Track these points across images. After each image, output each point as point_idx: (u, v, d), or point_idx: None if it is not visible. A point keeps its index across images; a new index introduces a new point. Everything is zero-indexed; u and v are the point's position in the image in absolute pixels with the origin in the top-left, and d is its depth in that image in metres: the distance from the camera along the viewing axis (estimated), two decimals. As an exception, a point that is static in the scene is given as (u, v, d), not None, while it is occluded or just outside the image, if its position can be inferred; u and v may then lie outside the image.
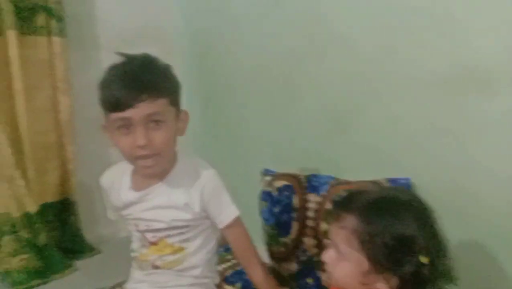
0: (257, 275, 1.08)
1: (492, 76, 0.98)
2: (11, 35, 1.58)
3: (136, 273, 1.11)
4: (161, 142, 0.94)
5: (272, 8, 1.49)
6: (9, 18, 1.57)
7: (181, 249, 1.04)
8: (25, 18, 1.63)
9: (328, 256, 0.84)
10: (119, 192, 1.06)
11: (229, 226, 1.04)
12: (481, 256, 1.05)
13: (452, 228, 1.02)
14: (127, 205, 1.05)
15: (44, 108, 1.73)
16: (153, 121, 0.92)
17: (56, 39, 1.70)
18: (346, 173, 1.28)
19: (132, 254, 1.11)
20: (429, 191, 1.07)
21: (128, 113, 0.90)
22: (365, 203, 0.80)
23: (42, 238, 1.71)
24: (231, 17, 1.67)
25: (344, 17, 1.27)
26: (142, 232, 1.05)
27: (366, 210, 0.79)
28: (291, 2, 1.43)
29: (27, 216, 1.67)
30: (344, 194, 0.89)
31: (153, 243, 1.04)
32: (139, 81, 0.91)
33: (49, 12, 1.67)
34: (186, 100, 2.07)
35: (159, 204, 1.02)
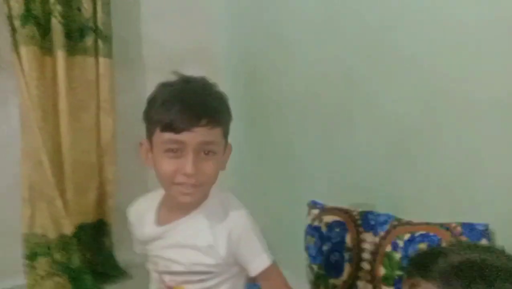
0: None
1: None
2: (60, 56, 1.59)
3: None
4: (209, 174, 0.89)
5: (327, 31, 1.41)
6: (59, 38, 1.57)
7: None
8: (74, 38, 1.64)
9: None
10: (144, 226, 0.99)
11: (262, 275, 0.94)
12: None
13: None
14: (148, 241, 0.98)
15: (88, 128, 1.72)
16: (204, 150, 0.87)
17: (102, 60, 1.69)
18: (409, 212, 1.15)
19: None
20: None
21: (183, 137, 0.85)
22: (449, 268, 0.65)
23: (76, 261, 1.67)
24: (282, 40, 1.62)
25: (411, 37, 1.17)
26: (160, 273, 0.97)
27: (449, 278, 0.64)
28: (349, 23, 1.35)
29: (62, 238, 1.64)
30: (421, 252, 0.79)
31: (170, 288, 0.95)
32: (201, 105, 0.86)
33: (97, 32, 1.67)
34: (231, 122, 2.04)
35: (180, 242, 0.93)
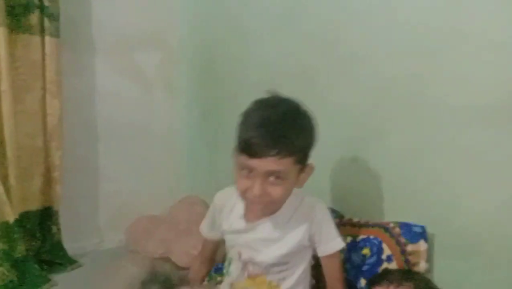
0: None
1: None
2: (1, 32, 1.48)
3: None
4: (277, 197, 0.96)
5: (285, 25, 1.42)
6: (0, 14, 1.47)
7: (275, 287, 1.05)
8: (17, 14, 1.54)
9: None
10: (229, 216, 1.09)
11: (329, 256, 1.05)
12: None
13: (484, 275, 0.99)
14: (235, 232, 1.08)
15: (32, 111, 1.63)
16: (274, 176, 0.93)
17: (49, 39, 1.60)
18: (353, 211, 1.21)
19: (227, 277, 1.12)
20: (460, 234, 1.03)
21: (253, 163, 0.92)
22: (417, 274, 1.01)
23: (20, 249, 1.60)
24: (240, 31, 1.60)
25: (367, 39, 1.19)
26: (245, 262, 1.06)
27: (420, 277, 0.97)
28: (306, 18, 1.36)
29: (4, 226, 1.56)
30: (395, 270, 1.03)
31: (251, 276, 1.06)
32: (274, 135, 0.91)
33: (43, 10, 1.57)
34: (185, 110, 2.02)
35: (269, 237, 1.03)
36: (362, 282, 1.13)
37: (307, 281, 1.11)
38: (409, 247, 1.07)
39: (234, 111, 1.66)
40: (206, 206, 1.88)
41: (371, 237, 1.14)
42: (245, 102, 1.60)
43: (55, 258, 1.74)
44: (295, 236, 1.03)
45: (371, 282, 1.04)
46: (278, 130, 0.91)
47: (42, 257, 1.71)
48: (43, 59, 1.61)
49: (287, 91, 1.42)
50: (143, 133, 1.96)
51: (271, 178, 0.94)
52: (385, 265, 1.10)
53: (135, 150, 1.95)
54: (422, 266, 1.06)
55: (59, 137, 1.69)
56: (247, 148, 0.92)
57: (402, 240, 1.09)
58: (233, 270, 1.10)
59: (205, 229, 1.20)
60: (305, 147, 0.98)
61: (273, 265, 1.04)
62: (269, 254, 1.03)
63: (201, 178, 1.93)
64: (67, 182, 1.75)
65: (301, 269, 1.07)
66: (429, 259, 1.08)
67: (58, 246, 1.77)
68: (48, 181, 1.72)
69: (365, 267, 1.13)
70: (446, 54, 1.03)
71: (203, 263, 1.27)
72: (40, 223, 1.73)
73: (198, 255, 1.30)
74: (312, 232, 1.04)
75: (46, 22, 1.58)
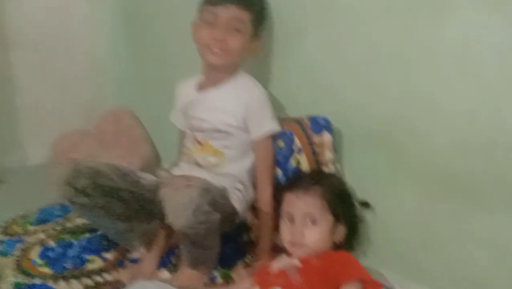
0: (266, 194, 1.20)
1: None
2: None
3: (183, 165, 1.26)
4: (233, 46, 1.14)
5: None
6: None
7: (221, 154, 1.20)
8: None
9: (309, 231, 1.02)
10: (186, 95, 1.27)
11: (261, 140, 1.18)
12: (417, 197, 1.04)
13: (388, 163, 1.09)
14: (188, 104, 1.24)
15: None
16: (233, 27, 1.12)
17: None
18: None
19: (185, 150, 1.28)
20: (365, 123, 1.11)
21: (217, 10, 1.12)
22: (331, 176, 1.14)
23: None
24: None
25: None
26: (193, 131, 1.23)
27: (330, 180, 1.12)
28: None
29: None
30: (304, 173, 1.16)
31: (199, 143, 1.22)
32: None
33: None
34: (106, 14, 1.86)
35: (212, 106, 1.19)
36: (279, 172, 1.24)
37: (250, 166, 1.22)
38: (316, 139, 1.18)
39: (159, 14, 1.60)
40: (134, 117, 1.86)
41: (287, 130, 1.22)
42: (171, 4, 1.53)
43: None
44: (235, 109, 1.17)
45: (283, 188, 1.12)
46: None
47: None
48: None
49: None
50: (61, 40, 1.83)
51: (232, 30, 1.13)
52: (296, 156, 1.20)
53: (52, 59, 1.83)
54: (328, 156, 1.18)
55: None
56: None
57: (310, 132, 1.19)
58: (188, 144, 1.26)
59: (174, 118, 1.33)
60: (260, 11, 1.20)
61: (216, 131, 1.19)
62: (212, 120, 1.19)
63: (127, 88, 1.87)
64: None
65: (243, 147, 1.20)
66: (338, 152, 1.18)
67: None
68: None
69: (280, 158, 1.23)
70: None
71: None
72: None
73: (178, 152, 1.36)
74: (248, 114, 1.17)
75: None
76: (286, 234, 1.05)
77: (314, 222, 1.03)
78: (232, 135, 1.19)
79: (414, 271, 1.09)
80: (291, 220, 1.05)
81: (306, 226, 1.03)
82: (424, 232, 1.05)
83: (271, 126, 1.18)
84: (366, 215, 1.14)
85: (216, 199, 1.07)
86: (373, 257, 1.15)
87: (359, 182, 1.14)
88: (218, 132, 1.19)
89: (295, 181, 1.12)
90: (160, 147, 1.75)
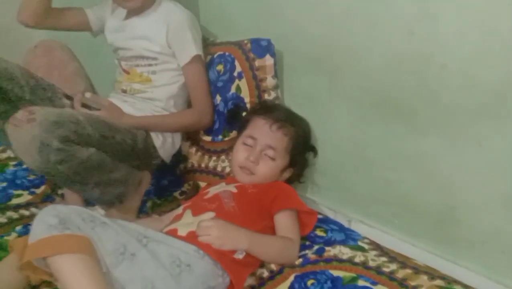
0: (189, 116, 1.19)
1: None
2: None
3: (112, 96, 1.22)
4: None
5: None
6: None
7: (148, 80, 1.18)
8: None
9: (264, 163, 1.02)
10: (111, 17, 1.24)
11: (187, 65, 1.15)
12: (352, 119, 1.04)
13: (327, 87, 1.06)
14: (112, 31, 1.23)
15: None
16: None
17: None
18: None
19: (115, 85, 1.26)
20: (306, 46, 1.07)
21: None
22: (302, 120, 1.10)
23: None
24: None
25: None
26: (120, 61, 1.22)
27: (301, 124, 1.09)
28: None
29: None
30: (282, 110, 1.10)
31: (126, 71, 1.20)
32: None
33: None
34: None
35: (135, 34, 1.17)
36: (218, 98, 1.20)
37: (180, 92, 1.20)
38: (257, 62, 1.13)
39: None
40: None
41: (226, 53, 1.18)
42: None
43: None
44: (157, 35, 1.15)
45: (255, 110, 1.09)
46: None
47: None
48: None
49: None
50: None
51: None
52: (236, 82, 1.15)
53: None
54: (269, 82, 1.14)
55: None
56: None
57: (251, 55, 1.14)
58: (117, 77, 1.25)
59: (90, 9, 1.26)
60: None
61: (141, 57, 1.17)
62: (136, 47, 1.17)
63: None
64: None
65: (172, 73, 1.18)
66: (278, 78, 1.14)
67: None
68: None
69: (219, 83, 1.19)
70: None
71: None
72: None
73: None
74: (169, 38, 1.14)
75: None
76: (240, 155, 1.03)
77: (272, 157, 1.02)
78: (157, 60, 1.16)
79: (348, 196, 1.11)
80: (251, 145, 1.03)
81: (264, 158, 1.02)
82: (357, 155, 1.05)
83: (193, 50, 1.14)
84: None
85: (80, 132, 0.94)
86: (309, 185, 1.16)
87: (298, 107, 1.12)
88: (143, 58, 1.17)
89: (270, 109, 1.08)
90: (96, 81, 1.64)
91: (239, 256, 0.84)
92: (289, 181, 1.08)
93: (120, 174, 1.04)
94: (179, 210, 0.99)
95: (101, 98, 1.13)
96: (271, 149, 1.02)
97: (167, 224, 0.93)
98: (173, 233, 0.85)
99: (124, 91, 1.21)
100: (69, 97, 1.15)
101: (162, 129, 1.16)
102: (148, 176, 1.21)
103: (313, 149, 1.11)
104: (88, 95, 1.10)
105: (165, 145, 1.17)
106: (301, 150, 1.07)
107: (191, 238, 0.83)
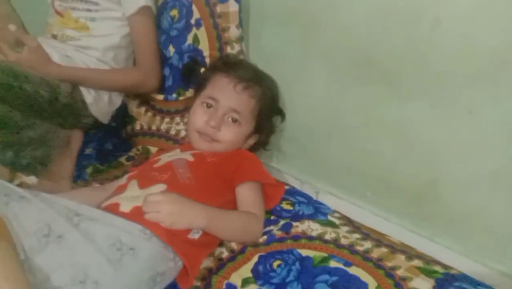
0: (130, 76, 1.05)
1: None
2: None
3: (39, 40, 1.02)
4: None
5: None
6: None
7: (85, 28, 1.03)
8: None
9: (227, 128, 0.89)
10: None
11: (134, 15, 1.01)
12: (327, 79, 0.92)
13: (300, 42, 0.93)
14: None
15: None
16: None
17: None
18: None
19: (46, 27, 1.10)
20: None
21: None
22: (269, 80, 0.97)
23: None
24: None
25: None
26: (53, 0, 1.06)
27: (269, 85, 0.96)
28: None
29: None
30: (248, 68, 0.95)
31: (59, 13, 1.04)
32: None
33: None
34: None
35: None
36: (171, 50, 1.02)
37: (123, 43, 1.05)
38: (218, 8, 0.97)
39: None
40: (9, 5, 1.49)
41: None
42: None
43: None
44: None
45: (216, 66, 0.94)
46: None
47: None
48: None
49: None
50: None
51: None
52: (194, 31, 0.99)
53: None
54: (233, 33, 0.98)
55: None
56: None
57: (213, 0, 0.95)
58: (49, 19, 1.09)
59: None
60: None
61: (79, 0, 1.02)
62: None
63: None
64: None
65: (115, 23, 1.03)
66: (244, 29, 0.99)
67: None
68: None
69: (173, 32, 1.02)
70: None
71: None
72: None
73: None
74: None
75: None
76: (199, 119, 0.89)
77: (236, 121, 0.89)
78: (98, 6, 1.01)
79: (317, 166, 1.00)
80: (211, 106, 0.89)
81: (227, 122, 0.88)
82: (331, 121, 0.94)
83: (141, 0, 0.99)
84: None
85: None
86: (274, 153, 1.05)
87: (266, 64, 0.98)
88: (80, 1, 1.02)
89: (234, 66, 0.93)
90: (28, 23, 1.42)
91: (195, 235, 0.72)
92: (253, 148, 0.96)
93: (37, 132, 0.86)
94: (123, 180, 0.83)
95: (29, 37, 0.94)
96: (235, 113, 0.88)
97: (107, 197, 0.77)
98: (113, 209, 0.70)
99: (55, 37, 1.02)
100: None
101: (95, 85, 0.99)
102: (79, 135, 1.05)
103: (281, 113, 0.99)
104: (13, 28, 0.91)
105: (98, 102, 1.01)
106: (268, 114, 0.95)
107: (136, 215, 0.68)
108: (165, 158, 0.87)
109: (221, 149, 0.89)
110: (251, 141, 0.95)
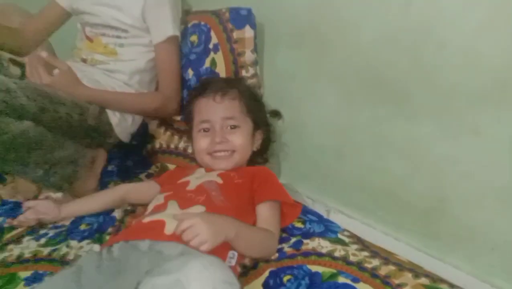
0: (152, 99, 1.10)
1: None
2: None
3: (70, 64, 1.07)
4: None
5: None
6: None
7: (113, 53, 1.08)
8: None
9: (232, 135, 0.92)
10: None
11: (160, 43, 1.07)
12: (337, 98, 0.96)
13: (311, 63, 0.97)
14: None
15: None
16: None
17: None
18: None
19: (74, 52, 1.15)
20: (290, 18, 0.98)
21: None
22: (239, 79, 1.01)
23: None
24: None
25: None
26: (83, 25, 1.12)
27: (242, 83, 1.00)
28: None
29: None
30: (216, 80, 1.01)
31: (89, 39, 1.10)
32: None
33: None
34: None
35: (105, 2, 1.06)
36: (190, 72, 1.08)
37: (149, 68, 1.11)
38: (235, 34, 1.03)
39: None
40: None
41: (202, 23, 1.07)
42: None
43: None
44: (130, 7, 1.05)
45: (192, 95, 0.99)
46: None
47: None
48: None
49: None
50: None
51: None
52: (211, 55, 1.04)
53: None
54: (248, 57, 1.03)
55: None
56: None
57: (229, 26, 1.03)
58: (78, 43, 1.15)
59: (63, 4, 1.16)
60: None
61: (108, 27, 1.07)
62: (103, 15, 1.07)
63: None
64: None
65: (142, 49, 1.09)
66: (258, 53, 1.03)
67: None
68: None
69: (192, 56, 1.08)
70: None
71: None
72: None
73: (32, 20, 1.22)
74: (145, 11, 1.05)
75: None
76: (203, 143, 0.93)
77: (234, 126, 0.93)
78: (127, 33, 1.07)
79: (327, 184, 1.02)
80: (208, 128, 0.93)
81: (228, 132, 0.92)
82: (341, 140, 0.97)
83: (170, 29, 1.05)
84: (282, 123, 1.04)
85: (11, 102, 0.82)
86: (287, 171, 1.08)
87: (279, 85, 1.02)
88: (111, 28, 1.07)
89: (204, 86, 0.98)
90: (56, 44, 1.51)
91: (231, 261, 0.74)
92: (265, 147, 1.00)
93: (67, 152, 0.92)
94: (160, 200, 0.85)
95: (60, 61, 1.00)
96: (229, 120, 0.92)
97: (146, 215, 0.81)
98: (158, 225, 0.74)
99: (84, 60, 1.09)
100: (18, 63, 1.01)
101: (120, 108, 1.04)
102: (103, 154, 1.10)
103: (276, 112, 1.03)
104: (44, 54, 0.96)
105: (122, 123, 1.06)
106: (257, 106, 0.98)
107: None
108: (194, 180, 0.89)
109: (240, 158, 0.93)
110: (259, 138, 0.99)
